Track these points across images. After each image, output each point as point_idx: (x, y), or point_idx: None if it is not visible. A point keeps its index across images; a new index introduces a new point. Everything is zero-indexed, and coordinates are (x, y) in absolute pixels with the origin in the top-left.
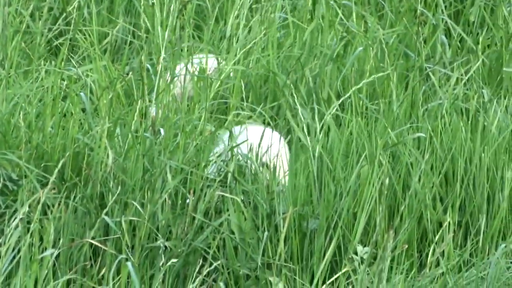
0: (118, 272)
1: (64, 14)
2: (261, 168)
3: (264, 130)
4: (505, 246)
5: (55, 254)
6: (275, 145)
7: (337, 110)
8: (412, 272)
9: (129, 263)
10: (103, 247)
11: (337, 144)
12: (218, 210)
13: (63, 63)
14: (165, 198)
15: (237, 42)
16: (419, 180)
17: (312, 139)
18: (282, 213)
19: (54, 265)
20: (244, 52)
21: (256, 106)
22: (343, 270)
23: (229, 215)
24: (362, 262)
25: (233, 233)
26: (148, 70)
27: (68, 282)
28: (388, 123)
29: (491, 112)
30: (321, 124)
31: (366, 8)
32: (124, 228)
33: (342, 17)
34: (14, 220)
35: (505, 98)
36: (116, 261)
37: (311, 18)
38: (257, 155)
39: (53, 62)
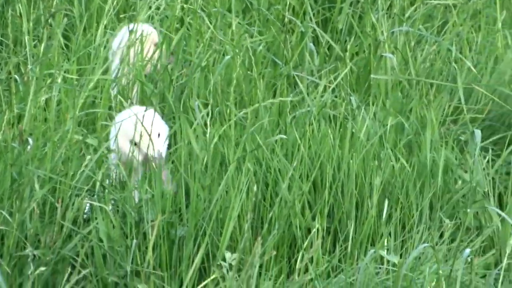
0: None
1: None
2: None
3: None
4: (374, 252)
5: None
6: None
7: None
8: (281, 278)
9: None
10: None
11: (204, 152)
12: (86, 218)
13: None
14: (34, 207)
15: (104, 50)
16: (288, 187)
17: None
18: (151, 220)
19: None
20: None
21: None
22: (212, 277)
23: (97, 223)
24: (230, 269)
25: (101, 241)
26: (16, 80)
27: None
28: (256, 131)
29: (359, 119)
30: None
31: (234, 16)
32: None
33: (209, 25)
34: None
35: (373, 105)
36: None
37: (181, 26)
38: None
39: None
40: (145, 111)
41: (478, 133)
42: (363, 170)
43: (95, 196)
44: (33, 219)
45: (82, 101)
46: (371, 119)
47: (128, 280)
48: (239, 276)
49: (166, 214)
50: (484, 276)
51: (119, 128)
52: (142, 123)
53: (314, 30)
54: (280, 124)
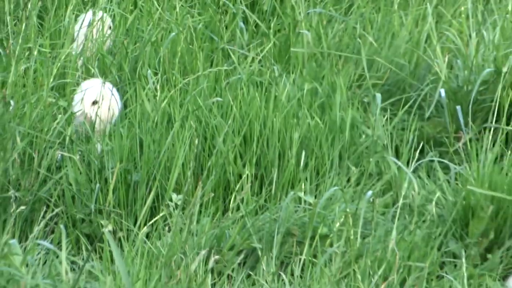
0: None
1: None
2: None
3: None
4: (293, 194)
5: None
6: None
7: (155, 84)
8: (217, 215)
9: None
10: None
11: (155, 112)
12: (58, 166)
13: None
14: (15, 157)
15: (72, 30)
16: (223, 140)
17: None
18: (111, 168)
19: None
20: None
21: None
22: (161, 214)
23: (67, 170)
24: (176, 208)
25: (71, 185)
26: (0, 53)
27: None
28: (197, 94)
29: (281, 84)
30: (141, 98)
31: (178, 0)
32: None
33: (158, 8)
34: None
35: (292, 73)
36: None
37: (134, 8)
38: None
39: None
40: (103, 82)
41: (378, 96)
42: (285, 127)
43: (65, 148)
44: (15, 167)
45: (55, 71)
46: (291, 84)
47: (92, 217)
48: (183, 213)
49: (123, 162)
50: (383, 214)
51: (84, 95)
52: (100, 91)
53: (244, 11)
54: (217, 89)
